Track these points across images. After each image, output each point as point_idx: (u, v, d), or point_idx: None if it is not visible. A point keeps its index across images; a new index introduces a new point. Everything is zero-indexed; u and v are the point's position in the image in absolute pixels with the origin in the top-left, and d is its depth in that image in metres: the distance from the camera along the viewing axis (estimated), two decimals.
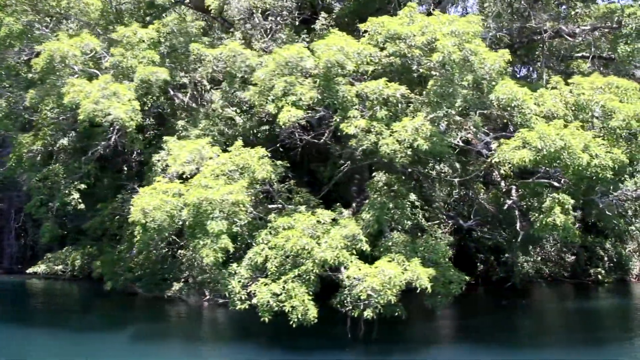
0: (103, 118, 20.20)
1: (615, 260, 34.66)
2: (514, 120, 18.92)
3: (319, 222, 18.58)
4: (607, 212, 21.68)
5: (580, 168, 17.94)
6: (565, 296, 32.45)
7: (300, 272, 17.73)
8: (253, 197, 19.71)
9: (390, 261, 18.09)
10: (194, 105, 25.61)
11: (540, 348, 20.38)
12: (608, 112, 18.89)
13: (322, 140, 21.51)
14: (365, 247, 18.44)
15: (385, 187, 20.77)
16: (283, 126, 19.20)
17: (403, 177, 21.41)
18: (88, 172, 25.87)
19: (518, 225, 20.40)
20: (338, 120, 19.00)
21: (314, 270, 17.65)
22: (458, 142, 19.24)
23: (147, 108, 24.88)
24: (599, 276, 34.04)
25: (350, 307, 17.88)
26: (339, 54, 18.98)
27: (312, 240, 17.91)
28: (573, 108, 19.50)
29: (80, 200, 25.29)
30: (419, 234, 21.61)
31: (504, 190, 21.69)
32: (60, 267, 34.38)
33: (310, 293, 17.70)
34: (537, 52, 29.42)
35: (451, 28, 18.61)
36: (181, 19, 26.69)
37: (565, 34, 25.91)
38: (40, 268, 35.07)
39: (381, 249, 19.23)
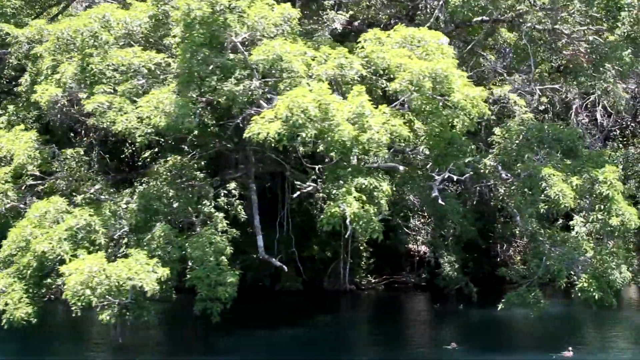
0: None
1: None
2: (280, 87, 15.89)
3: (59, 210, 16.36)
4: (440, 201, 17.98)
5: (346, 143, 14.79)
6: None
7: (21, 265, 15.61)
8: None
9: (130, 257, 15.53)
10: None
11: None
12: (393, 71, 15.49)
13: None
14: (101, 240, 16.00)
15: (172, 172, 18.26)
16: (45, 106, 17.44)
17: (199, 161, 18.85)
18: None
19: None
20: (84, 97, 16.74)
21: (32, 265, 15.48)
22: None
23: None
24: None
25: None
26: (94, 22, 16.81)
27: (39, 230, 15.74)
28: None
29: None
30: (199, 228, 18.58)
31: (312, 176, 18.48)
32: None
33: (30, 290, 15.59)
34: None
35: None
36: None
37: None
38: None
39: (143, 245, 16.66)
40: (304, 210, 30.27)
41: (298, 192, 18.11)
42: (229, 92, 15.79)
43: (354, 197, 15.83)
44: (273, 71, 15.82)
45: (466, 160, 17.69)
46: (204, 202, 18.03)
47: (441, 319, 25.57)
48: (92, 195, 17.95)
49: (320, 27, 20.55)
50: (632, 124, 30.33)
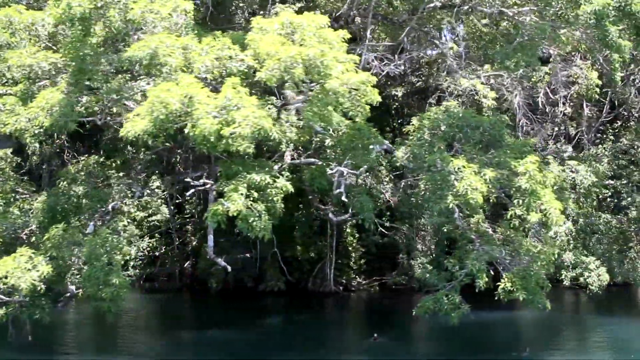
0: None
1: None
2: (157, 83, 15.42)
3: None
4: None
5: (208, 137, 14.13)
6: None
7: None
8: None
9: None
10: None
11: None
12: (264, 59, 14.64)
13: None
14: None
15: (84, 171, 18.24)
16: None
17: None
18: None
19: None
20: None
21: None
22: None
23: None
24: None
25: None
26: None
27: None
28: None
29: None
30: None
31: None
32: None
33: None
34: None
35: None
36: None
37: None
38: None
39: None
40: (290, 209, 29.77)
41: (192, 190, 17.64)
42: (108, 90, 15.60)
43: (242, 194, 15.31)
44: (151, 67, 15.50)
45: (373, 155, 16.56)
46: (111, 202, 17.88)
47: (402, 323, 24.01)
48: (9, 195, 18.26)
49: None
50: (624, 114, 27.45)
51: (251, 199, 15.40)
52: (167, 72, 15.24)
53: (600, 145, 25.86)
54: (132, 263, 28.26)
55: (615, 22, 16.46)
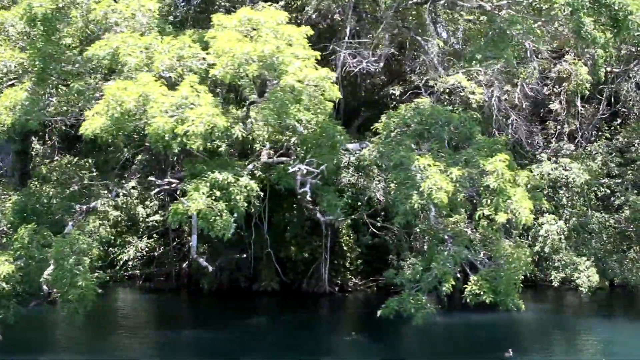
0: None
1: None
2: None
3: None
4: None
5: (163, 136, 13.98)
6: None
7: None
8: None
9: None
10: None
11: None
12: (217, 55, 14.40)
13: None
14: None
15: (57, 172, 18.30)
16: None
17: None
18: None
19: None
20: None
21: None
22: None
23: None
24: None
25: None
26: None
27: None
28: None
29: None
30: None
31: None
32: None
33: None
34: None
35: None
36: None
37: None
38: None
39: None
40: (285, 209, 29.54)
41: (157, 189, 17.54)
42: (71, 89, 15.61)
43: (202, 192, 15.18)
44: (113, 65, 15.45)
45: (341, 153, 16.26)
46: (84, 202, 17.89)
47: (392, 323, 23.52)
48: None
49: None
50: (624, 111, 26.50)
51: (213, 197, 15.33)
52: (127, 71, 15.24)
53: (595, 143, 25.04)
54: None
55: (590, 14, 15.86)
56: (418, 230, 18.79)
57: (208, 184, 15.45)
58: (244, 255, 28.79)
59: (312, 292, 28.70)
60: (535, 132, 25.16)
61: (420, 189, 14.92)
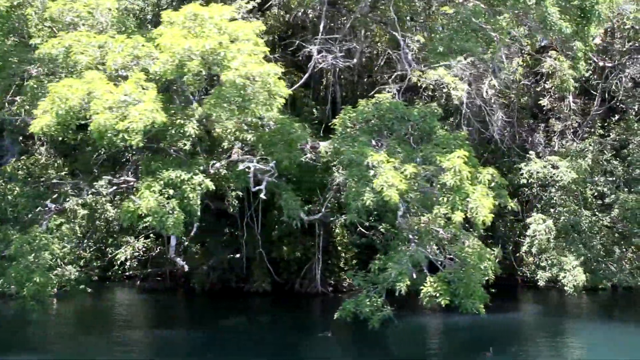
0: None
1: None
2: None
3: None
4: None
5: (104, 132, 13.89)
6: None
7: None
8: None
9: None
10: None
11: None
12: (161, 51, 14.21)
13: None
14: None
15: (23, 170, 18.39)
16: None
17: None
18: None
19: None
20: None
21: None
22: None
23: None
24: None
25: None
26: None
27: None
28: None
29: None
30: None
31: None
32: None
33: None
34: None
35: None
36: None
37: None
38: None
39: None
40: (277, 208, 29.26)
41: (114, 187, 17.46)
42: (24, 88, 15.67)
43: (154, 190, 15.06)
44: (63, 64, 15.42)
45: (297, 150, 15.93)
46: (51, 201, 17.91)
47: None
48: None
49: None
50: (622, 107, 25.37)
51: (166, 196, 15.21)
52: (79, 70, 15.21)
53: (586, 140, 24.14)
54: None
55: (554, 3, 15.22)
56: (382, 229, 18.27)
57: (162, 182, 15.38)
58: (237, 256, 28.87)
59: (304, 292, 28.38)
60: (525, 130, 24.39)
61: (373, 186, 14.54)
